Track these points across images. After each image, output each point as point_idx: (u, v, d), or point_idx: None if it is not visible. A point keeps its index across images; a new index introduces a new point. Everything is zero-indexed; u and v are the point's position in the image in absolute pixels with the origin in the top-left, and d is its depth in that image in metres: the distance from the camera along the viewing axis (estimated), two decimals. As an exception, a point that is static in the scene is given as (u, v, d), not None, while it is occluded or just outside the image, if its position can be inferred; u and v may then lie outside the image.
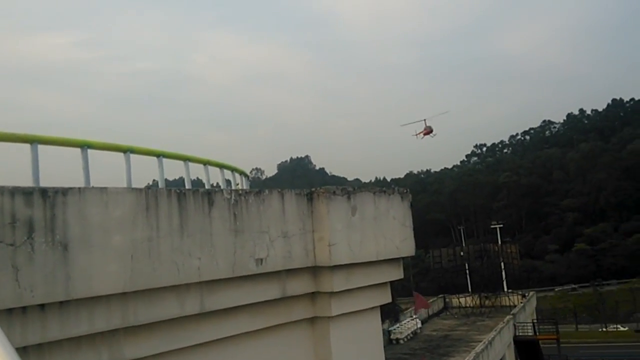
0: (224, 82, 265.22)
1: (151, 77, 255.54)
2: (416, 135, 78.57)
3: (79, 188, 3.44)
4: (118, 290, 3.45)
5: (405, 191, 5.92)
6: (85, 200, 3.39)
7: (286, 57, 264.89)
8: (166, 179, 9.64)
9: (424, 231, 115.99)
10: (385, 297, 5.64)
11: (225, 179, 11.63)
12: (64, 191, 3.33)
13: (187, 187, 9.30)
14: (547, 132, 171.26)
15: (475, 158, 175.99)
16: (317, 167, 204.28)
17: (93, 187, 3.62)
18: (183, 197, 3.92)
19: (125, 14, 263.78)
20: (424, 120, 79.32)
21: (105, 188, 3.55)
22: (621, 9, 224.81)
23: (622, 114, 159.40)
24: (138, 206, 3.62)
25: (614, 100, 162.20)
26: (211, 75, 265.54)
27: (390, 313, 46.21)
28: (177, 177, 11.14)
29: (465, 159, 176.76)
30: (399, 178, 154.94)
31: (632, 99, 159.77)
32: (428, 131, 77.96)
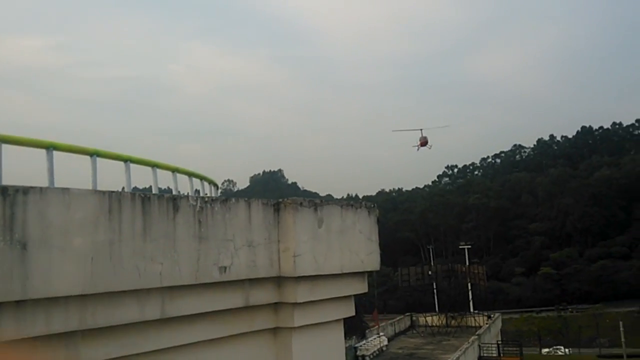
0: (201, 93, 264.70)
1: (127, 84, 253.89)
2: (415, 146, 76.83)
3: (40, 188, 3.39)
4: (77, 292, 3.40)
5: (372, 206, 5.95)
6: (47, 201, 3.35)
7: (264, 71, 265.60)
8: (135, 187, 9.56)
9: (393, 249, 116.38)
10: (349, 311, 5.64)
11: (195, 189, 11.58)
12: (25, 190, 3.28)
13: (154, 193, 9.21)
14: (517, 156, 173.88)
15: (447, 179, 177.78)
16: (289, 182, 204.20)
17: (55, 187, 3.58)
18: (147, 201, 3.88)
19: (104, 20, 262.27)
20: (421, 130, 77.13)
21: (67, 189, 3.51)
22: (593, 40, 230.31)
23: (590, 141, 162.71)
24: (101, 209, 3.58)
25: (583, 127, 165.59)
26: (188, 85, 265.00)
27: (356, 329, 46.15)
28: (147, 186, 11.04)
29: (437, 179, 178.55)
30: (371, 195, 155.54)
31: (601, 127, 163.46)
32: (424, 142, 76.08)
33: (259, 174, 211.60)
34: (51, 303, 3.31)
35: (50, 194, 3.41)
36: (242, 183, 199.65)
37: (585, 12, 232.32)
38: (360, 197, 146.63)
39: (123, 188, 10.38)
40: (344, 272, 5.29)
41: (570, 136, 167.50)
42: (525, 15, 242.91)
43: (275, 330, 5.07)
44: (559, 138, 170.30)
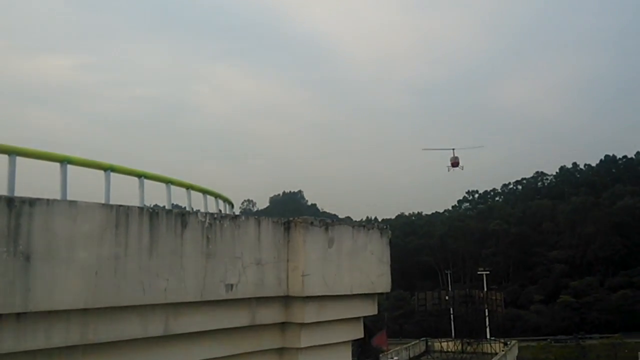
0: (223, 113, 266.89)
1: (150, 103, 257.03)
2: (447, 166, 74.91)
3: (47, 200, 3.39)
4: (79, 306, 3.37)
5: (384, 227, 5.87)
6: (53, 213, 3.34)
7: (287, 92, 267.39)
8: (156, 204, 9.58)
9: (411, 273, 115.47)
10: (358, 333, 5.55)
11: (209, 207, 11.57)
12: (31, 202, 3.27)
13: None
14: (539, 183, 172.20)
15: (467, 204, 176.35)
16: (309, 203, 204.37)
17: (62, 200, 3.57)
18: (155, 216, 3.86)
19: (130, 42, 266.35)
20: (453, 149, 74.62)
21: (74, 202, 3.50)
22: (616, 69, 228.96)
23: (614, 170, 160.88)
24: (107, 222, 3.56)
25: (606, 156, 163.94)
26: (210, 106, 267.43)
27: (370, 352, 45.66)
28: (162, 203, 11.06)
29: (457, 204, 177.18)
30: (390, 219, 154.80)
31: (625, 157, 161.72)
32: (455, 162, 73.95)
33: (279, 194, 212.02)
34: (53, 316, 3.28)
35: (56, 206, 3.40)
36: (262, 203, 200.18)
37: (610, 42, 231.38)
38: (380, 220, 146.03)
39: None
40: (354, 293, 5.21)
41: (593, 164, 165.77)
42: (547, 43, 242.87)
43: (281, 351, 4.99)
44: (581, 166, 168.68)
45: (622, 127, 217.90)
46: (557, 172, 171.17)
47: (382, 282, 5.55)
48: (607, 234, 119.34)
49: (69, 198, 6.73)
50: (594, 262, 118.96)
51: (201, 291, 4.06)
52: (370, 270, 5.42)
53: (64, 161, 7.20)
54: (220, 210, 11.59)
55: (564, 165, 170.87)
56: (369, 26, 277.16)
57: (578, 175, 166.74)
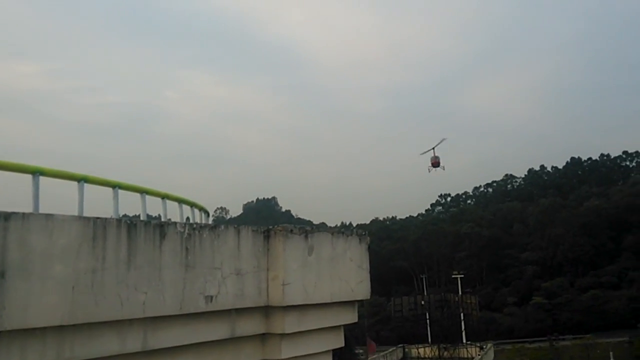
0: (196, 120, 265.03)
1: (121, 109, 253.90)
2: (428, 168, 72.60)
3: (23, 213, 3.30)
4: (55, 323, 3.28)
5: (363, 233, 5.86)
6: (29, 227, 3.25)
7: (260, 98, 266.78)
8: (125, 214, 9.45)
9: (387, 278, 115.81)
10: (339, 341, 5.52)
11: (186, 217, 11.46)
12: (6, 216, 3.19)
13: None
14: (508, 186, 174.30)
15: (440, 207, 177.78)
16: (283, 209, 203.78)
17: (38, 213, 3.48)
18: (133, 227, 3.79)
19: (99, 47, 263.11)
20: (433, 149, 72.65)
21: (50, 215, 3.41)
22: (582, 74, 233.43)
23: (579, 172, 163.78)
24: (84, 235, 3.49)
25: (572, 158, 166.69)
26: (182, 112, 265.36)
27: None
28: (137, 212, 10.91)
29: (430, 208, 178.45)
30: (365, 223, 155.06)
31: (590, 159, 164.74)
32: (436, 162, 71.70)
33: (252, 201, 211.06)
34: (28, 334, 3.19)
35: (32, 220, 3.31)
36: (235, 211, 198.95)
37: (576, 48, 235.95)
38: (354, 225, 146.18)
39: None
40: (334, 301, 5.18)
41: (560, 167, 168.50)
42: (517, 48, 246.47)
43: (262, 363, 4.94)
44: (549, 168, 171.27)
45: (588, 130, 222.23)
46: (525, 175, 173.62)
47: (362, 289, 5.52)
48: (575, 234, 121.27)
49: (41, 211, 6.58)
50: (563, 263, 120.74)
51: (180, 304, 3.99)
52: (350, 277, 5.39)
53: (36, 172, 7.05)
54: (196, 221, 11.47)
55: (532, 168, 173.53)
56: (341, 32, 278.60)
57: (546, 178, 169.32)
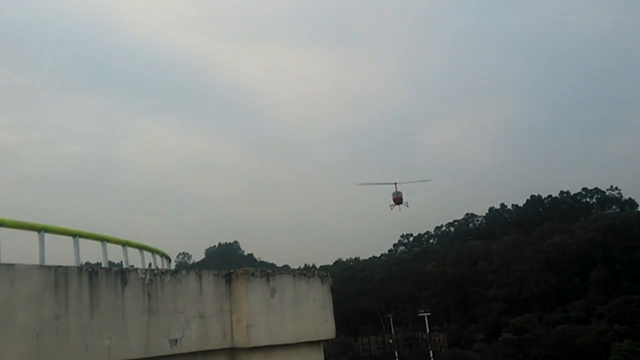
0: (155, 169, 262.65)
1: (80, 160, 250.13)
2: (390, 205, 62.71)
3: (-15, 264, 3.35)
4: (20, 371, 3.30)
5: (325, 274, 5.98)
6: (-9, 276, 3.29)
7: (217, 146, 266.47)
8: (87, 262, 9.38)
9: (353, 318, 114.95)
10: (304, 381, 5.56)
11: (149, 263, 11.39)
12: (-32, 266, 3.23)
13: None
14: (470, 224, 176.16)
15: (403, 247, 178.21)
16: (245, 253, 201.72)
17: (0, 263, 3.53)
18: (95, 275, 3.85)
19: (54, 100, 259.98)
20: (395, 184, 61.95)
21: (12, 264, 3.47)
22: (534, 113, 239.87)
23: (540, 209, 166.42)
24: (46, 284, 3.54)
25: (532, 196, 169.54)
26: (141, 162, 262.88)
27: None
28: (98, 261, 10.80)
29: (393, 248, 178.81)
30: (328, 265, 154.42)
31: (550, 196, 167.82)
32: (397, 198, 61.37)
33: (214, 246, 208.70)
34: (-8, 383, 3.20)
35: (-6, 269, 3.35)
36: (198, 256, 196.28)
37: (532, 89, 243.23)
38: (318, 267, 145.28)
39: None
40: (299, 341, 5.26)
41: (520, 204, 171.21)
42: (474, 91, 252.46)
43: (228, 405, 4.95)
44: (509, 206, 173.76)
45: (546, 168, 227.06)
46: (486, 213, 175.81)
47: (326, 329, 5.62)
48: (540, 270, 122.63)
49: (2, 261, 6.54)
50: (530, 299, 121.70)
51: (145, 347, 4.03)
52: (313, 317, 5.48)
53: (-4, 224, 7.03)
54: (157, 267, 11.41)
55: (493, 207, 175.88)
56: (296, 79, 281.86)
57: (507, 215, 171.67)
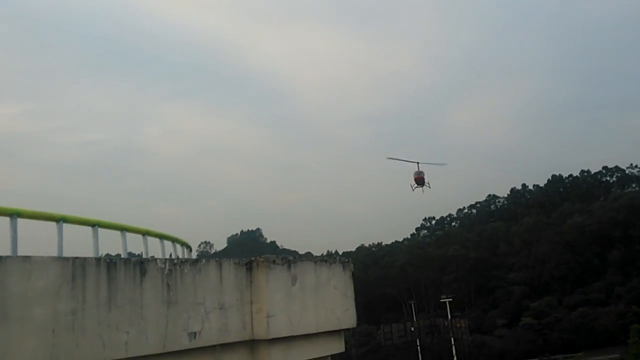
0: (177, 155, 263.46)
1: (102, 147, 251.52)
2: (412, 186, 59.68)
3: (0, 257, 3.27)
4: (36, 367, 3.24)
5: (346, 260, 5.85)
6: (5, 270, 3.22)
7: (239, 131, 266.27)
8: (107, 253, 9.36)
9: (376, 306, 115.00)
10: (326, 372, 5.47)
11: (169, 253, 11.37)
12: (-18, 260, 3.16)
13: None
14: (492, 206, 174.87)
15: (425, 231, 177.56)
16: (268, 241, 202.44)
17: (15, 256, 3.46)
18: (113, 266, 3.76)
19: (77, 85, 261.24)
20: (417, 163, 59.14)
21: (28, 257, 3.39)
22: (557, 92, 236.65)
23: (561, 189, 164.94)
24: (63, 276, 3.46)
25: (553, 176, 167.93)
26: (164, 148, 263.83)
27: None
28: (118, 252, 10.80)
29: (415, 232, 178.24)
30: (351, 251, 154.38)
31: (570, 175, 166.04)
32: (419, 178, 58.64)
33: (236, 234, 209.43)
34: (8, 380, 3.14)
35: (9, 262, 3.28)
36: (220, 244, 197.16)
37: (547, 66, 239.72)
38: (340, 253, 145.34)
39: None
40: (320, 331, 5.15)
41: (541, 185, 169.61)
42: (496, 70, 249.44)
43: (249, 398, 4.87)
44: (531, 187, 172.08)
45: (566, 147, 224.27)
46: (508, 194, 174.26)
47: (347, 317, 5.50)
48: (560, 252, 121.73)
49: (20, 253, 6.50)
50: (550, 282, 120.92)
51: (163, 342, 3.94)
52: (335, 306, 5.37)
53: (14, 215, 7.00)
54: (177, 256, 11.38)
55: (515, 187, 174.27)
56: (321, 62, 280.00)
57: (528, 196, 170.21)
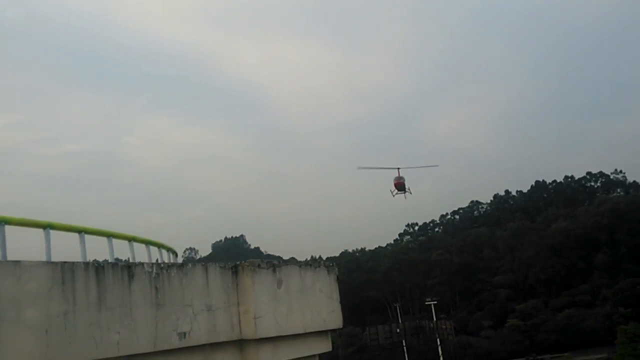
0: (159, 164, 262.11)
1: (82, 158, 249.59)
2: (392, 191, 57.49)
3: (-9, 261, 3.36)
4: (30, 367, 3.32)
5: (331, 264, 5.99)
6: (-3, 274, 3.30)
7: (221, 140, 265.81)
8: (95, 259, 9.37)
9: (361, 309, 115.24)
10: (313, 371, 5.58)
11: (156, 258, 11.41)
12: (-25, 264, 3.23)
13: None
14: (475, 212, 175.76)
15: (408, 237, 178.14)
16: (252, 247, 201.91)
17: (5, 260, 3.54)
18: (101, 270, 3.85)
19: (57, 98, 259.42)
20: (398, 169, 56.82)
21: (18, 262, 3.47)
22: (534, 98, 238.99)
23: (545, 195, 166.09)
24: (53, 280, 3.54)
25: (537, 182, 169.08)
26: (146, 157, 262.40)
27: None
28: (105, 257, 10.81)
29: (398, 238, 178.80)
30: (335, 256, 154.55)
31: (554, 181, 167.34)
32: (399, 183, 56.12)
33: (220, 240, 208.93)
34: (3, 380, 3.21)
35: (0, 267, 3.36)
36: (205, 250, 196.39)
37: (534, 73, 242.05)
38: (324, 258, 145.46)
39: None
40: (307, 331, 5.27)
41: (525, 190, 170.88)
42: (475, 77, 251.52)
43: (238, 397, 4.97)
44: (514, 193, 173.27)
45: (550, 153, 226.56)
46: (491, 200, 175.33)
47: (333, 318, 5.63)
48: (545, 256, 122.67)
49: (9, 259, 6.55)
50: (536, 285, 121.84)
51: (154, 341, 4.04)
52: (320, 307, 5.50)
53: (1, 222, 7.04)
54: (164, 261, 11.43)
55: (497, 193, 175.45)
56: (298, 71, 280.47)
57: (511, 202, 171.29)
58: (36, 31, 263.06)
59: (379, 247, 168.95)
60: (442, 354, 65.46)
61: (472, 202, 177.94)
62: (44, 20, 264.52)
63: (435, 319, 70.36)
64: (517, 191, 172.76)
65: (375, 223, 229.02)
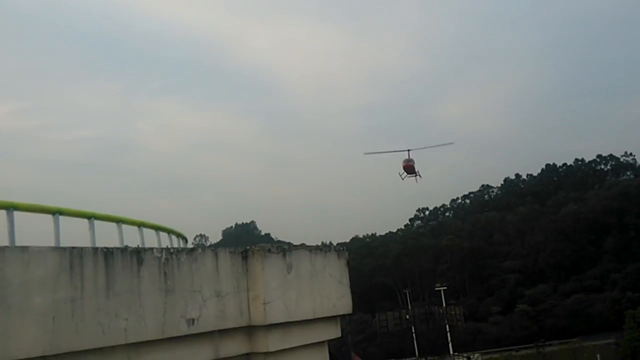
0: (170, 150, 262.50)
1: (94, 144, 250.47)
2: (400, 174, 56.32)
3: (-2, 246, 3.32)
4: (38, 354, 3.28)
5: (341, 249, 5.93)
6: (4, 260, 3.26)
7: (232, 125, 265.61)
8: (105, 247, 9.37)
9: (370, 295, 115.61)
10: (323, 357, 5.54)
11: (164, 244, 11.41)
12: (-19, 250, 3.20)
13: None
14: (485, 196, 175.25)
15: (419, 222, 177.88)
16: (262, 233, 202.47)
17: (13, 246, 3.50)
18: (110, 255, 3.81)
19: (69, 84, 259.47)
20: (408, 151, 54.65)
21: (26, 247, 3.43)
22: (546, 80, 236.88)
23: (555, 178, 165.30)
24: (61, 265, 3.50)
25: (547, 165, 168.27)
26: (156, 143, 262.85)
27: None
28: (114, 243, 10.83)
29: (409, 223, 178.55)
30: (345, 242, 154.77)
31: (565, 164, 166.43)
32: (409, 165, 54.12)
33: (231, 227, 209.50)
34: (10, 366, 3.18)
35: (7, 252, 3.32)
36: (215, 237, 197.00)
37: (544, 57, 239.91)
38: (335, 244, 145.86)
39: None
40: (316, 317, 5.22)
41: (535, 174, 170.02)
42: (487, 61, 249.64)
43: (247, 382, 4.94)
44: (524, 176, 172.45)
45: (560, 136, 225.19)
46: (501, 184, 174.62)
47: (343, 304, 5.58)
48: (555, 240, 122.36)
49: (17, 244, 6.55)
50: (545, 270, 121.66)
51: (162, 328, 4.01)
52: (330, 292, 5.44)
53: (10, 208, 7.04)
54: (174, 247, 11.43)
55: (508, 177, 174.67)
56: (310, 55, 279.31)
57: (522, 186, 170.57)
58: (47, 16, 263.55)
59: (390, 232, 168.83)
60: (451, 339, 65.60)
61: (482, 186, 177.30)
62: (55, 5, 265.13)
63: (444, 305, 70.46)
64: (527, 175, 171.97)
65: (386, 208, 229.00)
